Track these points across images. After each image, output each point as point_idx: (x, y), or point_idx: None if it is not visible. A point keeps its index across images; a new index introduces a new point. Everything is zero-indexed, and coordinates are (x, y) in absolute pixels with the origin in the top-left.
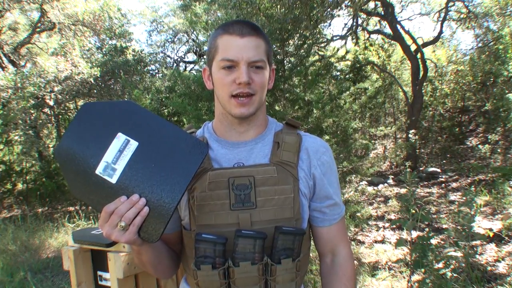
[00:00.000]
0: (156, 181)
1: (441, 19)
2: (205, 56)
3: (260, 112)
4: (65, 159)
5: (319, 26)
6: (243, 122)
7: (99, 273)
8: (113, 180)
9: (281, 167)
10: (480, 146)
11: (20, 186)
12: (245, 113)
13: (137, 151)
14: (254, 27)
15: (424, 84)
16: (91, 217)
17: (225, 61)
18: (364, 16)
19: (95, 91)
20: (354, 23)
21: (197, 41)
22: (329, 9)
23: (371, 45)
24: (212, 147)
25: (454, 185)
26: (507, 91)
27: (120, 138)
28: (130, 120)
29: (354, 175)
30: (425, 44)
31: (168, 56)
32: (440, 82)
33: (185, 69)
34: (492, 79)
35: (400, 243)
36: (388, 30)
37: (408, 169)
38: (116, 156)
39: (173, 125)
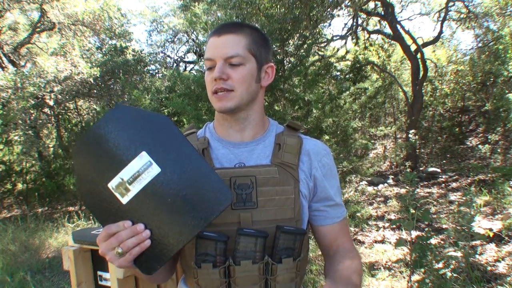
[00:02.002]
0: (167, 219)
1: (441, 19)
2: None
3: (252, 110)
4: (83, 155)
5: (319, 26)
6: (237, 120)
7: (99, 273)
8: (124, 200)
9: (282, 168)
10: (480, 146)
11: (20, 186)
12: (222, 107)
13: (157, 178)
14: (235, 25)
15: (424, 84)
16: (91, 217)
17: (206, 61)
18: (364, 16)
19: (95, 91)
20: (354, 23)
21: (197, 41)
22: (329, 9)
23: (371, 45)
24: (213, 147)
25: (454, 185)
26: (507, 91)
27: (143, 158)
28: (160, 140)
29: (354, 175)
30: (425, 44)
31: (168, 56)
32: (440, 82)
33: (185, 69)
34: (492, 79)
35: (400, 243)
36: (388, 30)
37: (408, 169)
38: (134, 176)
39: (203, 160)
